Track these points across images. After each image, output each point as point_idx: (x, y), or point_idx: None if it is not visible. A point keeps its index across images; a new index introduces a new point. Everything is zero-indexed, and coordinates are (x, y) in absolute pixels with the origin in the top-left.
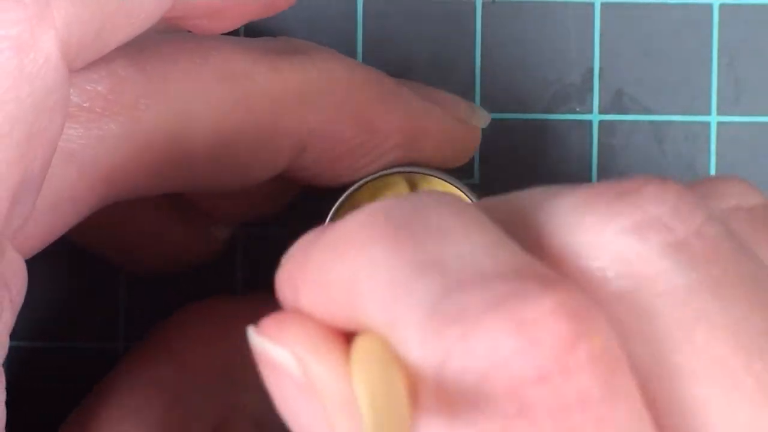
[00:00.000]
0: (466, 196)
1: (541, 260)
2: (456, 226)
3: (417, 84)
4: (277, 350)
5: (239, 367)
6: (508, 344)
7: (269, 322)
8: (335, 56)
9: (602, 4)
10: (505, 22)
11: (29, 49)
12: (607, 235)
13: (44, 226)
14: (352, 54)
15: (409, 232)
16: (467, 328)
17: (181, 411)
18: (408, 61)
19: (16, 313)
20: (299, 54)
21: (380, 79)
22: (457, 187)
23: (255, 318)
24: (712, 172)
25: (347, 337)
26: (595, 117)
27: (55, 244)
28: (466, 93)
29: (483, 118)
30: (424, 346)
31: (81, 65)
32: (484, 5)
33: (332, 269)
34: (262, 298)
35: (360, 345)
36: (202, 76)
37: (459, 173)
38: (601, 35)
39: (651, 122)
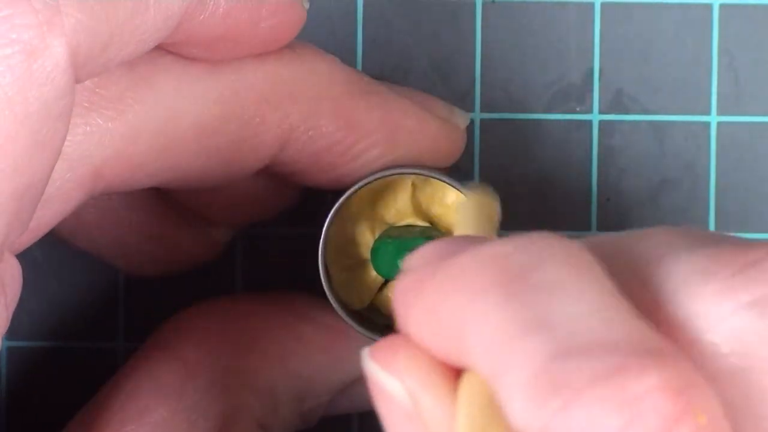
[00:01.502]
0: (465, 196)
1: (655, 323)
2: (571, 283)
3: (395, 85)
4: (390, 380)
5: (243, 369)
6: (611, 421)
7: (383, 348)
8: (317, 52)
9: (602, 4)
10: (505, 22)
11: (39, 55)
12: (725, 308)
13: (34, 222)
14: (352, 54)
15: (523, 284)
16: (570, 400)
17: (185, 413)
18: (408, 61)
19: (11, 314)
20: (283, 48)
21: (359, 76)
22: (456, 188)
23: (260, 319)
24: (712, 172)
25: (455, 369)
26: (595, 117)
27: (55, 245)
28: (466, 93)
29: (462, 118)
30: (526, 409)
31: (86, 78)
32: (484, 5)
33: (445, 307)
34: (267, 299)
35: (467, 385)
36: (187, 69)
37: (459, 173)
38: (601, 35)
39: (651, 122)
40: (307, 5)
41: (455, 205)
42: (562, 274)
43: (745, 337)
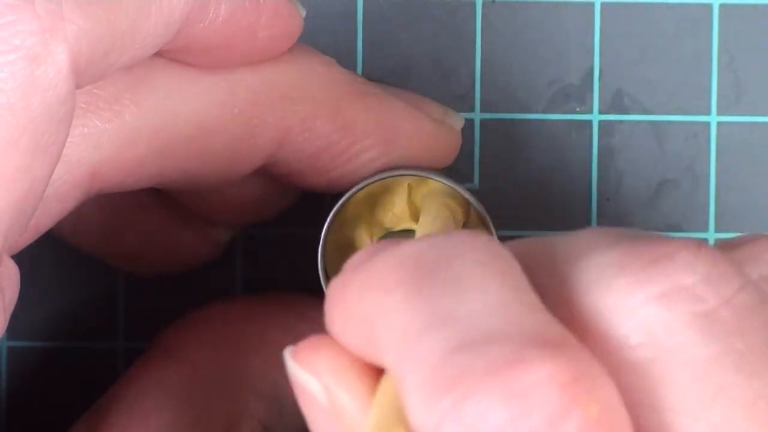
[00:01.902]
0: (465, 197)
1: (567, 318)
2: (476, 279)
3: (390, 87)
4: (309, 379)
5: (247, 371)
6: (500, 414)
7: (304, 347)
8: (313, 53)
9: (602, 4)
10: (505, 22)
11: (42, 61)
12: (634, 301)
13: (31, 222)
14: (352, 54)
15: (430, 281)
16: (460, 396)
17: (189, 416)
18: (408, 61)
19: (9, 316)
20: None
21: (355, 78)
22: (455, 189)
23: (261, 321)
24: (712, 172)
25: (376, 371)
26: (595, 117)
27: (55, 245)
28: (466, 93)
29: (457, 120)
30: (421, 410)
31: (86, 83)
32: (484, 5)
33: (360, 306)
34: (269, 301)
35: (383, 386)
36: (184, 71)
37: (459, 173)
38: (601, 35)
39: (651, 122)
40: (303, 14)
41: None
42: (468, 270)
43: (652, 328)
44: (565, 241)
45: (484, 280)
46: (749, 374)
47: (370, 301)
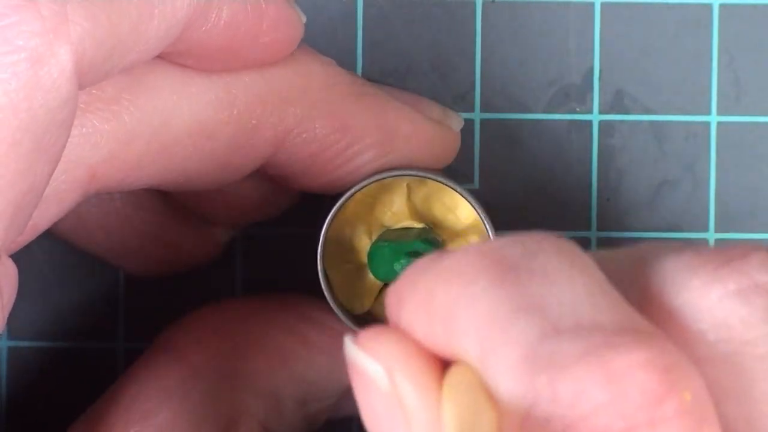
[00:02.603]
0: (464, 198)
1: (646, 316)
2: (562, 271)
3: (389, 87)
4: (371, 363)
5: (247, 371)
6: (596, 395)
7: (367, 335)
8: (312, 54)
9: (602, 4)
10: (505, 22)
11: (45, 62)
12: (711, 298)
13: (29, 222)
14: (352, 54)
15: (515, 273)
16: (557, 375)
17: (189, 416)
18: (408, 61)
19: (7, 315)
20: None
21: (354, 79)
22: (454, 189)
23: (261, 321)
24: (712, 172)
25: (441, 362)
26: (595, 117)
27: (55, 245)
28: (466, 93)
29: (456, 121)
30: (514, 387)
31: (88, 85)
32: (484, 5)
33: (437, 295)
34: (270, 301)
35: (454, 374)
36: (183, 72)
37: (458, 173)
38: (601, 35)
39: (651, 122)
40: (304, 19)
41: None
42: (553, 263)
43: (730, 323)
44: (625, 252)
45: (572, 273)
46: None
47: (449, 290)
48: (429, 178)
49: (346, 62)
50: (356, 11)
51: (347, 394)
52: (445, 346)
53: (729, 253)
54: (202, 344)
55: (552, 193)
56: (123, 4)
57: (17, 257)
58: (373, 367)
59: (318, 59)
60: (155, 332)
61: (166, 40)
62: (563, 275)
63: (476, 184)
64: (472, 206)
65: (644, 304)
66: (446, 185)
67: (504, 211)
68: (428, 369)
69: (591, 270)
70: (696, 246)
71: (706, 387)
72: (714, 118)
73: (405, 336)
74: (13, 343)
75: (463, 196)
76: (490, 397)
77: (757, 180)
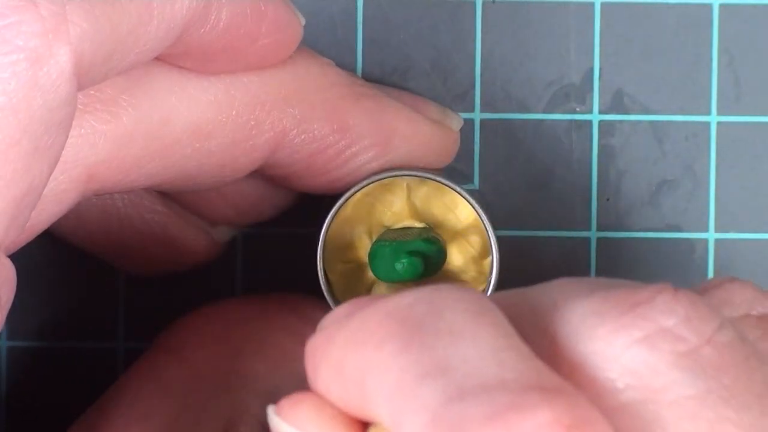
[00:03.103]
0: (464, 198)
1: (554, 366)
2: (466, 329)
3: (388, 87)
4: (290, 431)
5: (247, 371)
6: None
7: (287, 403)
8: (311, 55)
9: (602, 4)
10: (505, 22)
11: (45, 63)
12: (617, 346)
13: (27, 223)
14: (352, 54)
15: (421, 333)
16: None
17: (189, 415)
18: (408, 61)
19: (5, 315)
20: None
21: (353, 79)
22: (454, 189)
23: (261, 321)
24: (712, 172)
25: (360, 424)
26: (595, 117)
27: (55, 245)
28: (466, 93)
29: (455, 121)
30: None
31: (87, 86)
32: (484, 5)
33: (349, 361)
34: (270, 301)
35: None
36: (182, 73)
37: (458, 174)
38: (601, 35)
39: (651, 122)
40: (303, 21)
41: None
42: (459, 321)
43: (638, 370)
44: (539, 293)
45: (476, 329)
46: (739, 407)
47: (359, 355)
48: (428, 178)
49: (346, 61)
50: (356, 10)
51: None
52: (359, 411)
53: (635, 297)
54: (202, 344)
55: (552, 193)
56: (122, 5)
57: (17, 257)
58: None
59: (317, 60)
60: (155, 332)
61: (165, 42)
62: (468, 333)
63: (476, 184)
64: (472, 206)
65: (553, 353)
66: (446, 185)
67: (504, 211)
68: None
69: (497, 324)
70: (608, 286)
71: None
72: (714, 118)
73: (322, 401)
74: (13, 343)
75: (462, 196)
76: None
77: (757, 180)
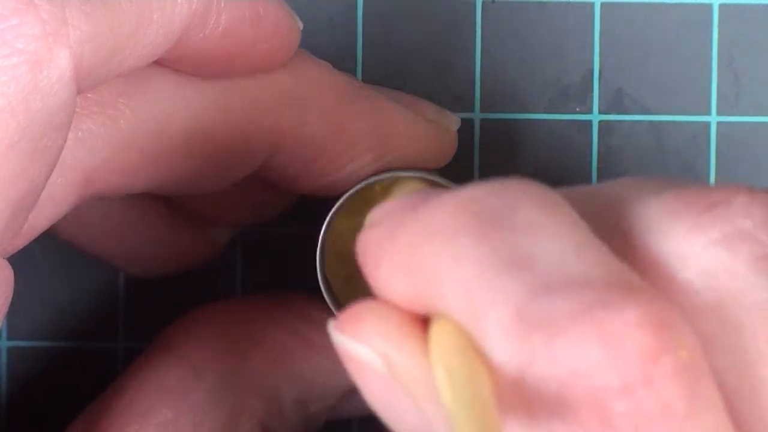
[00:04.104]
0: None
1: (629, 265)
2: (545, 223)
3: (385, 88)
4: (359, 347)
5: (247, 371)
6: (592, 354)
7: (347, 318)
8: (308, 57)
9: (602, 4)
10: (505, 22)
11: (45, 66)
12: (695, 246)
13: (25, 225)
14: (352, 54)
15: (498, 225)
16: (552, 336)
17: (189, 415)
18: (408, 61)
19: (3, 318)
20: None
21: (350, 81)
22: (451, 189)
23: (262, 321)
24: (712, 172)
25: (423, 321)
26: (595, 117)
27: (55, 245)
28: (466, 93)
29: (453, 121)
30: (508, 347)
31: (86, 89)
32: (484, 5)
33: (417, 254)
34: (270, 301)
35: (440, 333)
36: (180, 76)
37: (458, 174)
38: (601, 35)
39: (651, 122)
40: (301, 26)
41: None
42: (536, 215)
43: (716, 272)
44: (606, 190)
45: (554, 225)
46: None
47: (430, 248)
48: (427, 178)
49: (346, 62)
50: (356, 11)
51: (348, 395)
52: (427, 305)
53: (712, 197)
54: (203, 343)
55: None
56: (122, 8)
57: (17, 257)
58: (363, 351)
59: (314, 63)
60: (155, 332)
61: (164, 46)
62: (547, 228)
63: None
64: None
65: (628, 251)
66: (445, 186)
67: None
68: (413, 335)
69: (574, 221)
70: (676, 185)
71: (699, 343)
72: (714, 118)
73: (384, 308)
74: (13, 343)
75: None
76: (482, 357)
77: (757, 180)
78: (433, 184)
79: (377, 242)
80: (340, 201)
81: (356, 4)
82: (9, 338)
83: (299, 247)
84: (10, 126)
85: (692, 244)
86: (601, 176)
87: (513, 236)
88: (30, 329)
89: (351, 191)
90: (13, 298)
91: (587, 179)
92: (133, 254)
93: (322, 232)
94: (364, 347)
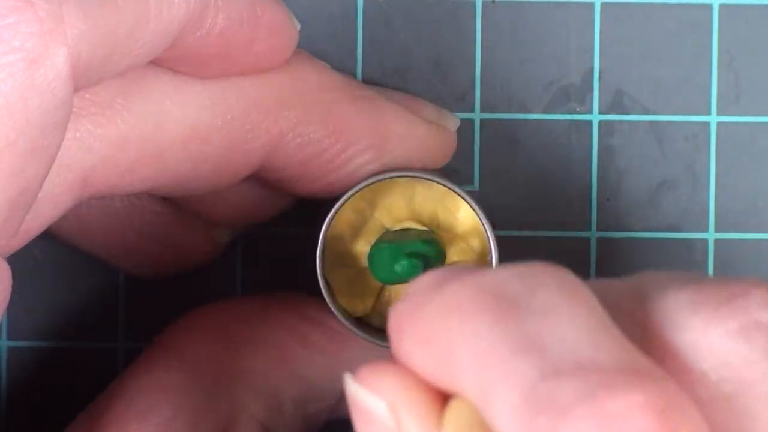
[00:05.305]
0: (462, 198)
1: (646, 354)
2: (563, 307)
3: (384, 89)
4: (373, 399)
5: (247, 371)
6: None
7: (367, 370)
8: (307, 58)
9: (602, 4)
10: (505, 22)
11: (42, 63)
12: (712, 337)
13: (22, 226)
14: (352, 54)
15: (515, 310)
16: (557, 417)
17: (188, 414)
18: (408, 61)
19: (2, 316)
20: None
21: (348, 81)
22: (452, 190)
23: (262, 321)
24: (712, 172)
25: (440, 395)
26: (595, 117)
27: (55, 245)
28: (466, 93)
29: (452, 121)
30: (516, 428)
31: (84, 87)
32: (484, 5)
33: (437, 331)
34: (270, 301)
35: (454, 409)
36: (177, 76)
37: (458, 174)
38: (601, 35)
39: (651, 122)
40: (298, 26)
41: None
42: (554, 299)
43: (732, 362)
44: (626, 283)
45: (571, 309)
46: None
47: (449, 326)
48: (427, 179)
49: (346, 62)
50: (356, 11)
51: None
52: (444, 381)
53: (730, 290)
54: (202, 343)
55: (552, 193)
56: (120, 7)
57: (17, 257)
58: (375, 403)
59: (312, 63)
60: (155, 332)
61: (161, 45)
62: (564, 312)
63: (476, 185)
64: (471, 207)
65: (645, 340)
66: (444, 186)
67: (504, 211)
68: (429, 404)
69: (592, 305)
70: (697, 280)
71: (706, 427)
72: (714, 118)
73: (405, 370)
74: (13, 343)
75: (461, 197)
76: None
77: (757, 180)
78: (432, 187)
79: (402, 314)
80: (340, 202)
81: (356, 4)
82: (9, 338)
83: (299, 247)
84: (7, 124)
85: (710, 335)
86: (601, 176)
87: (529, 319)
88: (30, 329)
89: (350, 192)
90: (13, 298)
91: (587, 179)
92: (133, 254)
93: (322, 232)
94: (379, 400)
